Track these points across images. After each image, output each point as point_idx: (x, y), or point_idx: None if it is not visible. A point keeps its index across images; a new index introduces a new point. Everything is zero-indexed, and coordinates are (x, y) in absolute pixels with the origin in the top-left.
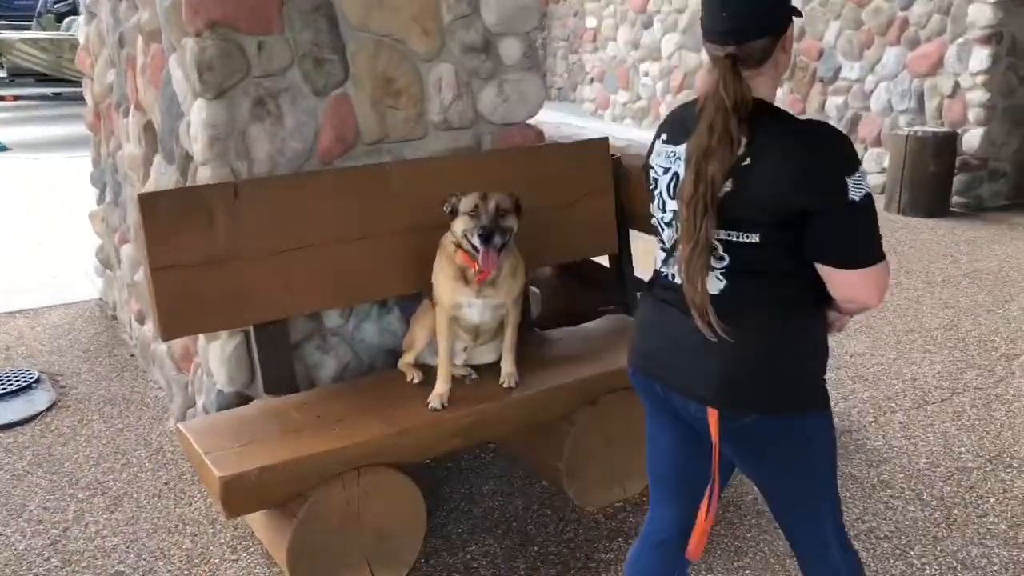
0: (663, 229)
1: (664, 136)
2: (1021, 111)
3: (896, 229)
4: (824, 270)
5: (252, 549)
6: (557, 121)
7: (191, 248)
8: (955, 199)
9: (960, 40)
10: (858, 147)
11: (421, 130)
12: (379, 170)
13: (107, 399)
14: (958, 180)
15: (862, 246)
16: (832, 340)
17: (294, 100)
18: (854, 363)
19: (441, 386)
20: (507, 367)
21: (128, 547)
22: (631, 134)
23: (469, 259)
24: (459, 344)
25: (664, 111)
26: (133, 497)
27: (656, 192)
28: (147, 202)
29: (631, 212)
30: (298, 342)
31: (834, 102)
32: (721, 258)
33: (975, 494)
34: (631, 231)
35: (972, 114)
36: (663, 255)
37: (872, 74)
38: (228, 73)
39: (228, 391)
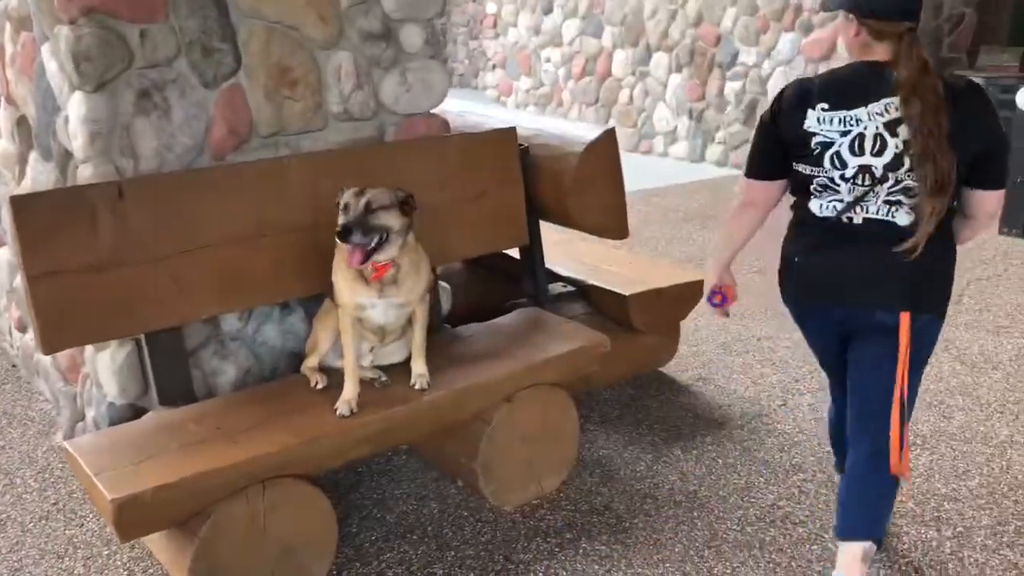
0: (838, 184)
1: (824, 105)
2: None
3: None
4: (985, 195)
5: (151, 571)
6: (460, 109)
7: (72, 253)
8: None
9: None
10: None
11: (320, 121)
12: (276, 164)
13: None
14: None
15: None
16: (740, 324)
17: (182, 92)
18: (761, 347)
19: (349, 391)
20: (417, 368)
21: None
22: (538, 122)
23: None
24: (365, 345)
25: (567, 96)
26: (17, 521)
27: (829, 154)
28: (20, 205)
29: (540, 203)
30: (194, 348)
31: (732, 87)
32: (913, 196)
33: None
34: (541, 222)
35: None
36: (838, 204)
37: (768, 60)
38: (108, 64)
39: (120, 403)
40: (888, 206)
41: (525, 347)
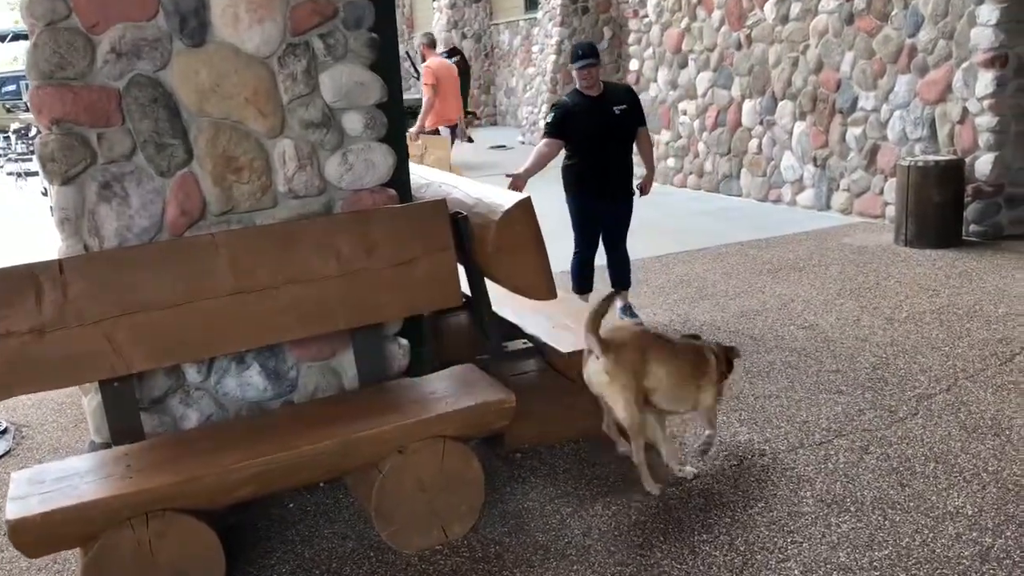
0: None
1: None
2: None
3: (894, 262)
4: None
5: None
6: (441, 181)
7: (20, 318)
8: (972, 228)
9: (965, 65)
10: (878, 178)
11: (269, 200)
12: (204, 240)
13: (54, 448)
14: (973, 208)
15: None
16: (747, 383)
17: (139, 181)
18: (756, 405)
19: None
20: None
21: None
22: (482, 191)
23: None
24: None
25: (702, 148)
26: None
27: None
28: None
29: (483, 264)
30: (161, 396)
31: (853, 133)
32: None
33: (791, 539)
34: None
35: (982, 139)
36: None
37: (886, 103)
38: (72, 162)
39: (98, 441)
40: None
41: (431, 402)
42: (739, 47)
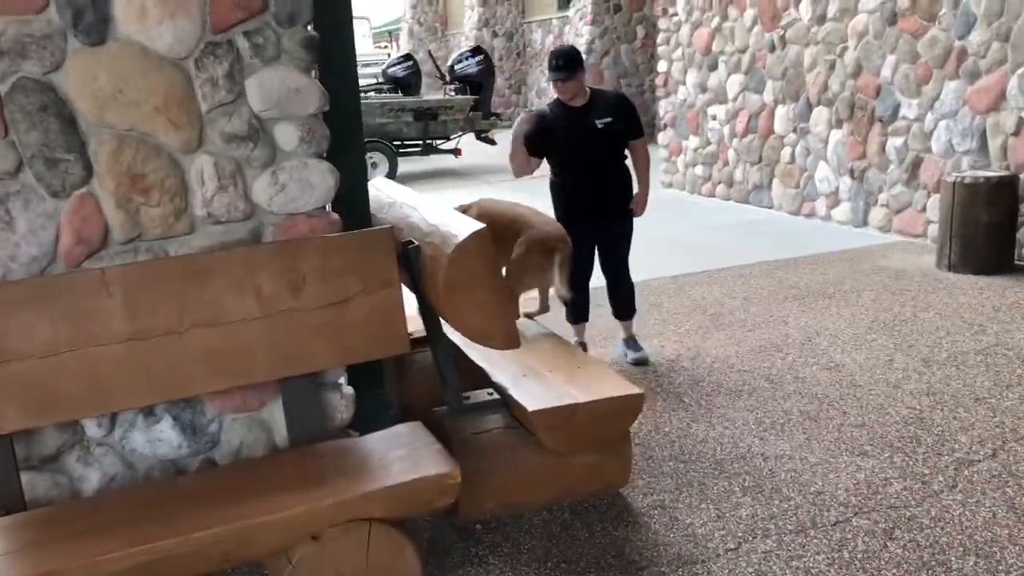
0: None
1: None
2: None
3: (935, 290)
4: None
5: None
6: (403, 200)
7: None
8: None
9: (1021, 70)
10: (920, 194)
11: (185, 226)
12: (90, 276)
13: None
14: None
15: None
16: (758, 437)
17: (27, 203)
18: (765, 468)
19: None
20: None
21: None
22: (441, 217)
23: None
24: None
25: (732, 156)
26: None
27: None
28: None
29: (436, 304)
30: (56, 454)
31: (894, 143)
32: None
33: None
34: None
35: None
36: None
37: (931, 112)
38: None
39: None
40: None
41: (358, 474)
42: (772, 49)
